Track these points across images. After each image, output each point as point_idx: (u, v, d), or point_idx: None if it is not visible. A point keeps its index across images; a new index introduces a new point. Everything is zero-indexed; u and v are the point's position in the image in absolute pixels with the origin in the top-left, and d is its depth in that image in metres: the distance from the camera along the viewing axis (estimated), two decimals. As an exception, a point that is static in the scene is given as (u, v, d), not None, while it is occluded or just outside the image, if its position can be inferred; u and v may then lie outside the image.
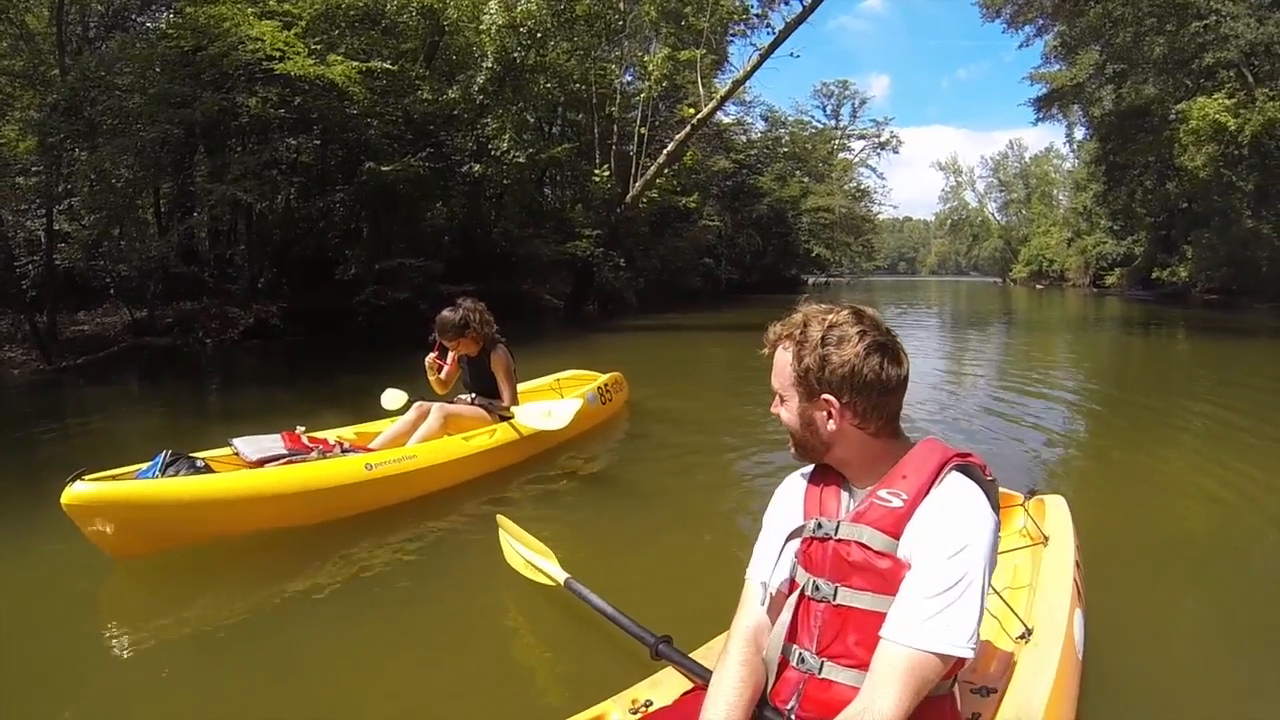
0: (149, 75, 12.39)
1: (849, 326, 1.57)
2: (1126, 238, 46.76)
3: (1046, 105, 45.58)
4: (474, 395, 5.55)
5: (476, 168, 17.42)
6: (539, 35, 17.97)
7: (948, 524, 1.47)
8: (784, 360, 1.62)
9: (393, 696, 2.75)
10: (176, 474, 3.99)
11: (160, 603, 3.60)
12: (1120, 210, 43.38)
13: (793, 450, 1.70)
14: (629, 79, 24.20)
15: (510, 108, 18.00)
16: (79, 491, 3.52)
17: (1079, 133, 53.43)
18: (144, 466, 4.00)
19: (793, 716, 1.58)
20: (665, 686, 2.04)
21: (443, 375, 5.58)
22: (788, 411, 1.64)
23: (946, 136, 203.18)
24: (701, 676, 1.92)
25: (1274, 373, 12.46)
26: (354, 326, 14.96)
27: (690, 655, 2.10)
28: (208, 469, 4.15)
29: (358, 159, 15.35)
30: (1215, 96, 25.94)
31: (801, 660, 1.59)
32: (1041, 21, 39.12)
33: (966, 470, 1.56)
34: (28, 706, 2.75)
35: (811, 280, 54.43)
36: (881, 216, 69.92)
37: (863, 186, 58.97)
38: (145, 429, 7.81)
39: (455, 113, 17.30)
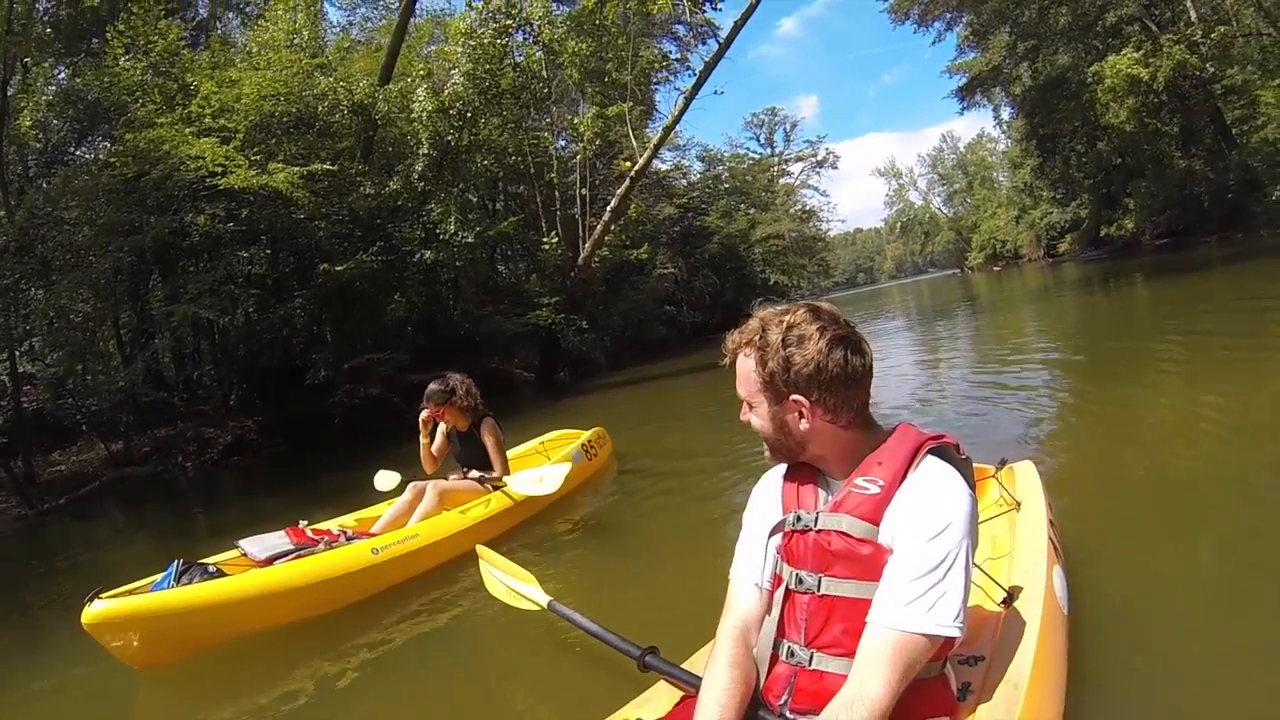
0: (95, 206, 12.46)
1: (808, 325, 1.58)
2: (1070, 203, 47.67)
3: (969, 93, 46.86)
4: (466, 469, 5.63)
5: (428, 254, 17.46)
6: (469, 115, 18.15)
7: (927, 506, 1.49)
8: (747, 368, 1.63)
9: None
10: (191, 581, 4.04)
11: (189, 708, 3.68)
12: (1059, 179, 44.55)
13: (769, 454, 1.71)
14: (563, 143, 24.44)
15: (452, 190, 18.13)
16: (98, 610, 3.56)
17: (1005, 113, 54.89)
18: (158, 578, 4.06)
19: (786, 711, 1.58)
20: (656, 701, 2.03)
21: (434, 449, 5.64)
22: (758, 417, 1.65)
23: (881, 143, 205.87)
24: (691, 684, 1.89)
25: (1228, 295, 12.97)
26: (330, 428, 14.80)
27: (679, 665, 2.09)
28: (220, 573, 4.20)
29: (311, 263, 15.41)
30: (1124, 52, 27.18)
31: (791, 654, 1.59)
32: (949, 15, 40.52)
33: (940, 452, 1.57)
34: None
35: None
36: (832, 233, 70.70)
37: (808, 207, 59.82)
38: (136, 555, 7.81)
39: (399, 203, 17.40)
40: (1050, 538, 2.52)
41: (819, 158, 61.57)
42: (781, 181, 58.62)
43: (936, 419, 6.80)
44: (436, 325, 18.83)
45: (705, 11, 21.42)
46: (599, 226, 21.56)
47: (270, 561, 4.39)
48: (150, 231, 12.58)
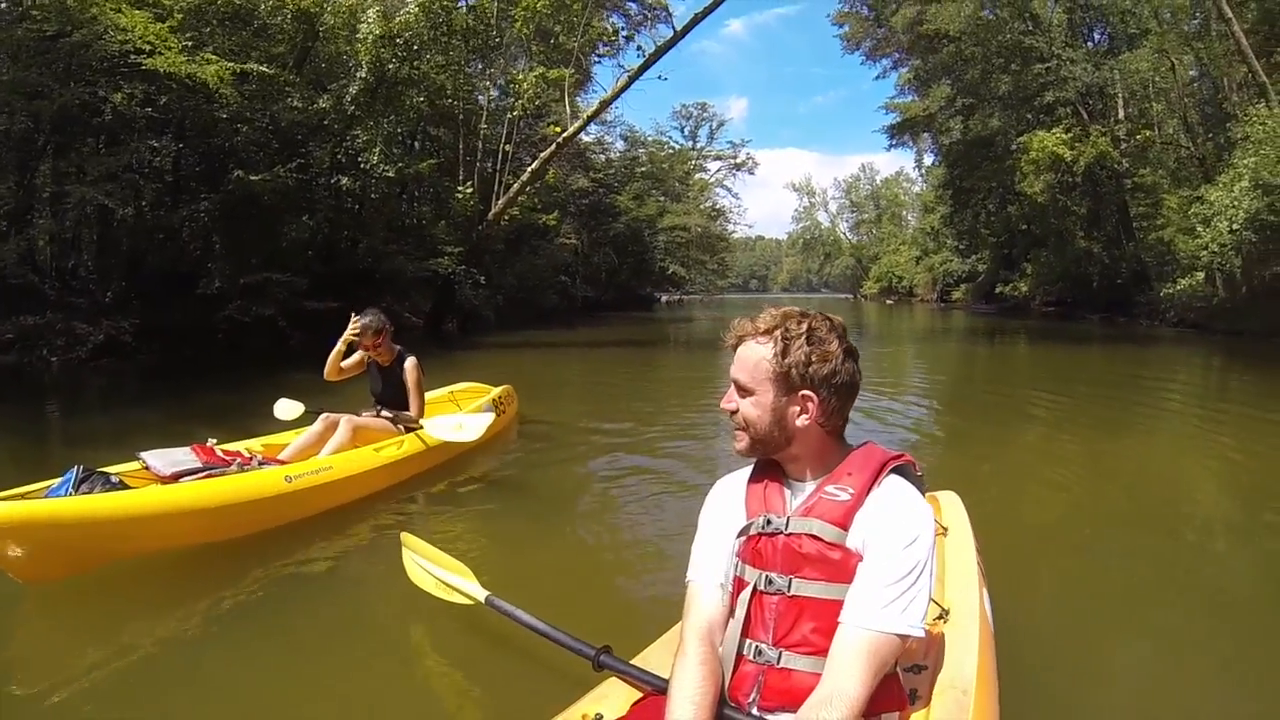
0: (2, 60, 11.49)
1: (827, 330, 1.63)
2: (971, 256, 49.79)
3: (899, 132, 48.41)
4: (379, 407, 5.54)
5: (345, 180, 16.90)
6: (415, 47, 17.61)
7: (898, 518, 1.55)
8: (759, 354, 1.63)
9: None
10: (91, 491, 3.70)
11: (74, 630, 3.36)
12: (966, 231, 46.42)
13: (743, 445, 1.69)
14: (494, 95, 24.04)
15: (381, 120, 17.65)
16: None
17: (928, 158, 57.04)
18: (54, 483, 3.71)
19: (754, 709, 1.60)
20: (613, 698, 1.97)
21: (343, 364, 5.53)
22: (754, 406, 1.64)
23: (801, 159, 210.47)
24: (650, 684, 1.87)
25: (1102, 369, 14.24)
26: (213, 344, 14.19)
27: (632, 663, 2.04)
28: (123, 485, 3.88)
29: (224, 166, 14.68)
30: (1054, 130, 28.98)
31: (759, 653, 1.61)
32: (898, 55, 41.80)
33: (902, 470, 1.64)
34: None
35: (665, 298, 55.38)
36: (736, 235, 71.98)
37: (718, 206, 61.00)
38: (17, 455, 6.99)
39: (325, 123, 16.76)
40: (978, 564, 2.65)
41: (738, 160, 62.81)
42: (697, 176, 59.68)
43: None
44: (337, 255, 18.25)
45: (669, -1, 21.22)
46: (516, 185, 21.45)
47: (176, 478, 4.12)
48: (59, 99, 11.60)
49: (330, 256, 17.99)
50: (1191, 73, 26.63)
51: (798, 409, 1.62)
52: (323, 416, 5.21)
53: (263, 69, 13.71)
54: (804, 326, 1.62)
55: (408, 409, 5.53)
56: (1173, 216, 24.18)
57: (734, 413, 1.67)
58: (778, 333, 1.62)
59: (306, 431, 5.14)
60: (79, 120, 13.26)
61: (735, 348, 1.68)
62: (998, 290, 43.01)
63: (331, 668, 3.00)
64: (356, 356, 5.56)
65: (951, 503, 3.19)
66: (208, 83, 12.39)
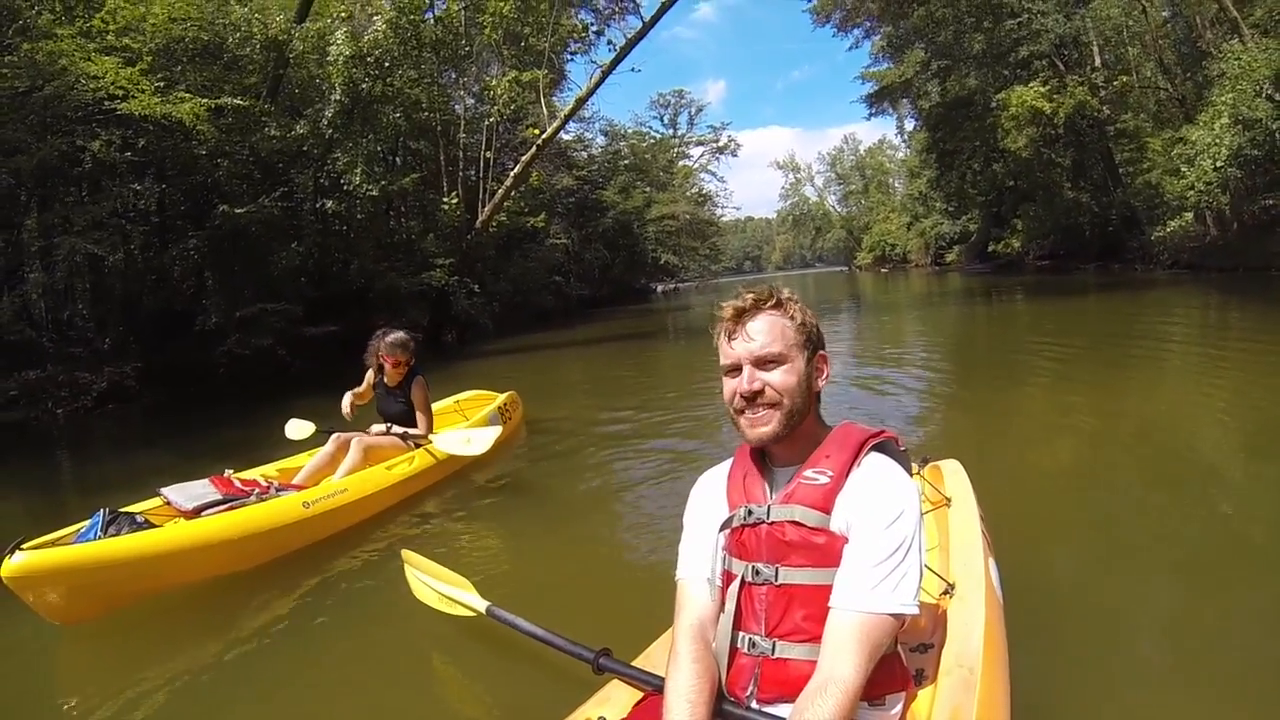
0: None
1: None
2: (961, 217, 49.77)
3: (878, 101, 48.28)
4: (389, 425, 5.67)
5: (329, 204, 16.96)
6: (386, 64, 17.65)
7: (880, 496, 1.53)
8: (779, 323, 1.62)
9: None
10: (119, 532, 3.84)
11: (112, 665, 3.52)
12: (953, 193, 46.31)
13: (773, 426, 1.61)
14: (470, 103, 24.08)
15: (360, 140, 17.67)
16: (20, 562, 3.36)
17: (909, 124, 56.93)
18: (82, 527, 3.85)
19: (753, 702, 1.59)
20: (615, 700, 2.00)
21: (359, 392, 5.74)
22: (790, 373, 1.60)
23: (783, 136, 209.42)
24: (650, 684, 1.88)
25: (1101, 319, 14.13)
26: (214, 379, 14.25)
27: (633, 664, 2.07)
28: (148, 524, 4.01)
29: (208, 202, 14.72)
30: (1031, 85, 28.86)
31: (753, 645, 1.59)
32: (869, 24, 41.59)
33: (882, 447, 1.63)
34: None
35: (660, 288, 55.33)
36: (725, 219, 71.88)
37: (705, 191, 60.78)
38: (11, 511, 7.12)
39: (304, 148, 16.80)
40: (983, 533, 2.63)
41: (720, 144, 62.63)
42: (681, 163, 59.61)
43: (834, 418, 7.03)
44: (330, 278, 18.30)
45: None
46: (501, 190, 21.65)
47: (198, 512, 4.25)
48: (38, 153, 11.65)
49: (323, 280, 18.03)
50: (1164, 13, 26.56)
51: (818, 371, 1.66)
52: (334, 437, 5.32)
53: (237, 101, 13.75)
54: (786, 292, 1.67)
55: (416, 426, 5.65)
56: (1158, 159, 24.17)
57: (760, 391, 1.60)
58: (777, 299, 1.65)
59: (319, 453, 5.26)
60: (60, 171, 13.29)
61: (738, 324, 1.64)
62: (990, 249, 43.03)
63: (343, 684, 3.09)
64: (366, 383, 5.75)
65: (954, 471, 3.17)
66: (183, 121, 12.42)
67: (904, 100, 48.57)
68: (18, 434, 11.33)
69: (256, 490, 4.63)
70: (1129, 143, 27.89)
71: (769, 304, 1.64)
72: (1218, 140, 18.33)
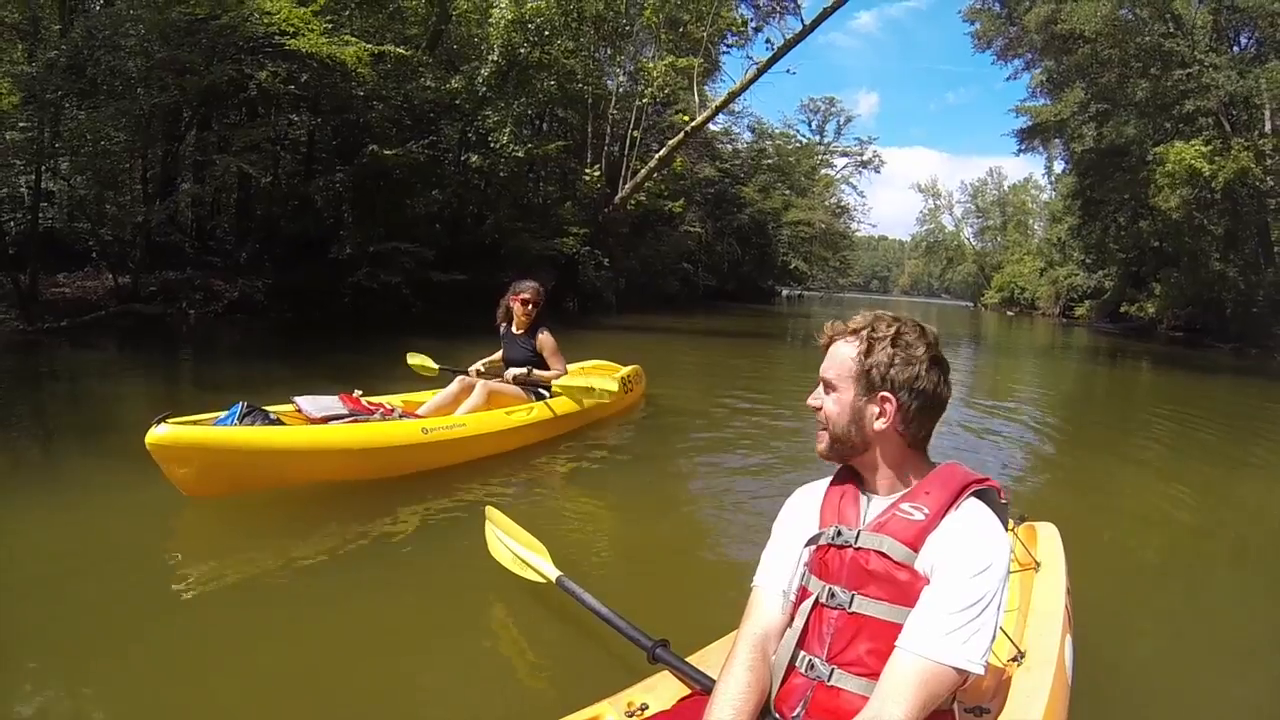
0: (155, 39, 11.99)
1: (916, 336, 1.64)
2: (1098, 271, 47.54)
3: (1029, 137, 46.45)
4: (527, 369, 5.95)
5: (474, 159, 17.42)
6: (546, 33, 18.02)
7: (971, 544, 1.51)
8: (846, 353, 1.66)
9: (382, 682, 2.76)
10: (253, 424, 4.26)
11: (221, 540, 3.96)
12: (1093, 244, 44.28)
13: (824, 446, 1.71)
14: (623, 80, 24.32)
15: (512, 102, 18.08)
16: (163, 433, 3.75)
17: (1058, 166, 54.63)
18: (221, 415, 4.26)
19: None
20: (660, 691, 2.01)
21: (485, 361, 6.09)
22: (835, 403, 1.66)
23: (928, 159, 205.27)
24: (699, 682, 1.91)
25: (1228, 403, 13.33)
26: (338, 307, 14.84)
27: (687, 660, 2.09)
28: (280, 423, 4.43)
29: (358, 141, 15.31)
30: (1193, 142, 26.93)
31: (811, 667, 1.59)
32: (1030, 56, 40.10)
33: (984, 495, 1.60)
34: (103, 627, 2.96)
35: (785, 292, 54.82)
36: (859, 233, 70.92)
37: (843, 203, 59.74)
38: (155, 394, 7.89)
39: (456, 102, 17.29)
40: (1066, 605, 2.54)
41: (865, 158, 61.59)
42: (823, 172, 58.47)
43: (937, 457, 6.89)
44: (463, 229, 18.75)
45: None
46: (644, 170, 21.71)
47: (325, 421, 4.65)
48: (210, 76, 12.29)
49: (457, 230, 18.48)
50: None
51: (876, 410, 1.63)
52: (459, 378, 5.71)
53: (399, 50, 14.26)
54: (892, 329, 1.64)
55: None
56: (1319, 242, 22.62)
57: (818, 409, 1.70)
58: (864, 332, 1.65)
59: (444, 391, 5.63)
60: (223, 95, 14.02)
61: (827, 347, 1.71)
62: (1123, 309, 41.05)
63: (403, 621, 3.22)
64: (493, 356, 6.13)
65: (1050, 536, 3.09)
66: (346, 62, 12.92)
67: (1056, 140, 46.63)
68: (152, 325, 12.12)
69: (381, 411, 5.01)
70: (1290, 219, 26.12)
71: (849, 333, 1.68)
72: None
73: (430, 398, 5.61)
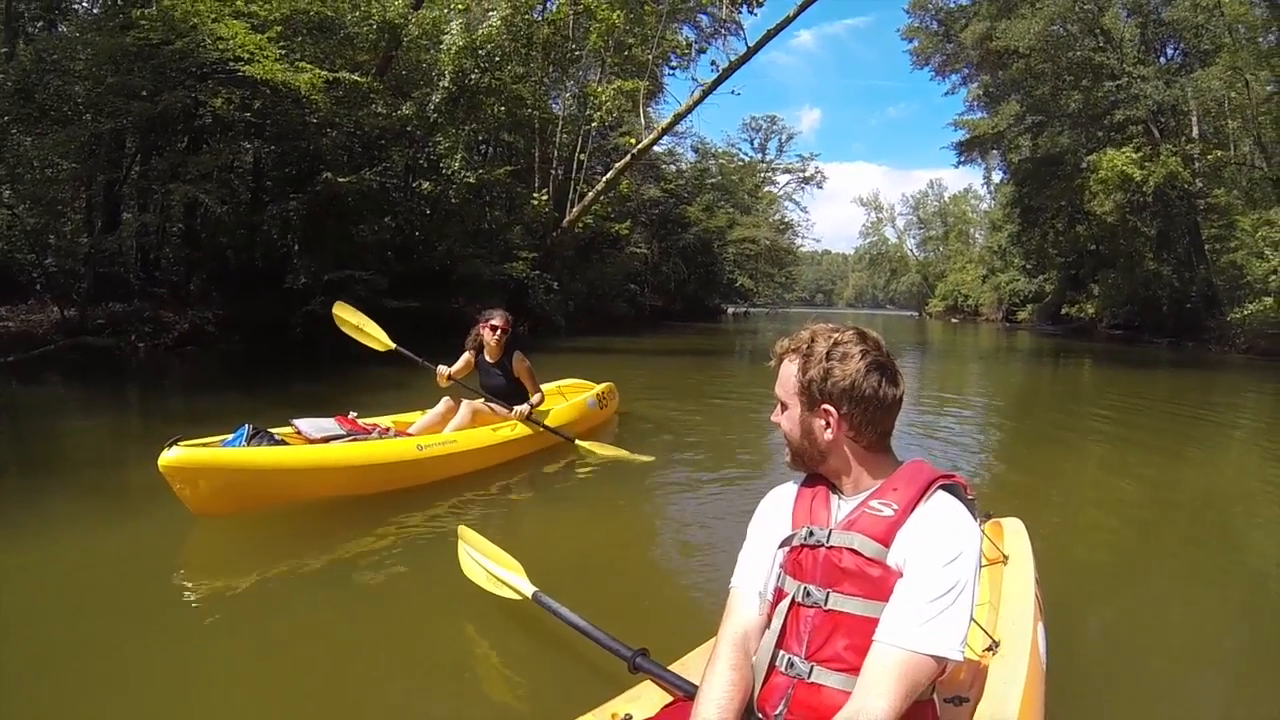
0: (107, 64, 11.97)
1: (853, 345, 1.66)
2: (1038, 276, 48.87)
3: (968, 149, 47.80)
4: (489, 399, 6.10)
5: (426, 185, 17.44)
6: (497, 59, 18.14)
7: (941, 535, 1.53)
8: (789, 371, 1.70)
9: (359, 710, 2.76)
10: (260, 445, 4.48)
11: (227, 555, 4.17)
12: (1033, 250, 45.68)
13: (789, 458, 1.77)
14: (569, 104, 24.47)
15: (463, 128, 18.14)
16: (176, 455, 3.92)
17: (996, 176, 56.11)
18: (228, 437, 4.48)
19: None
20: (644, 700, 2.02)
21: (454, 370, 6.12)
22: (789, 420, 1.71)
23: (870, 173, 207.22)
24: (682, 689, 1.93)
25: (1169, 395, 13.72)
26: (291, 337, 14.65)
27: (668, 668, 2.10)
28: (284, 443, 4.66)
29: (310, 168, 15.27)
30: (1124, 149, 28.24)
31: (790, 665, 1.61)
32: (967, 71, 41.40)
33: (951, 489, 1.63)
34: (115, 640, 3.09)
35: (731, 310, 55.18)
36: (803, 249, 71.76)
37: (787, 219, 60.77)
38: (113, 428, 7.85)
39: (408, 129, 17.31)
40: (1036, 595, 2.60)
41: (807, 174, 62.79)
42: (766, 189, 59.34)
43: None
44: (415, 256, 18.74)
45: (740, 13, 21.47)
46: (591, 193, 21.92)
47: (325, 441, 4.89)
48: (163, 102, 12.20)
49: (408, 257, 18.45)
50: (1269, 88, 25.79)
51: (821, 423, 1.66)
52: (444, 400, 5.89)
53: (354, 77, 14.28)
54: (829, 342, 1.67)
55: (517, 399, 6.08)
56: (1245, 239, 23.38)
57: (780, 427, 1.75)
58: (803, 348, 1.69)
59: (431, 412, 5.82)
60: (172, 122, 13.89)
61: (779, 366, 1.75)
62: (1064, 311, 42.30)
63: (386, 642, 3.23)
64: (463, 361, 6.14)
65: (1016, 530, 3.16)
66: (299, 89, 12.89)
67: (994, 151, 47.89)
68: (101, 359, 11.93)
69: (378, 430, 5.31)
70: (1218, 219, 27.03)
71: (792, 351, 1.71)
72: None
73: (419, 418, 5.82)
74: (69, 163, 12.30)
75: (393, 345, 6.37)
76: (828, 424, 1.66)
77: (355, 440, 5.02)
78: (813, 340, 1.68)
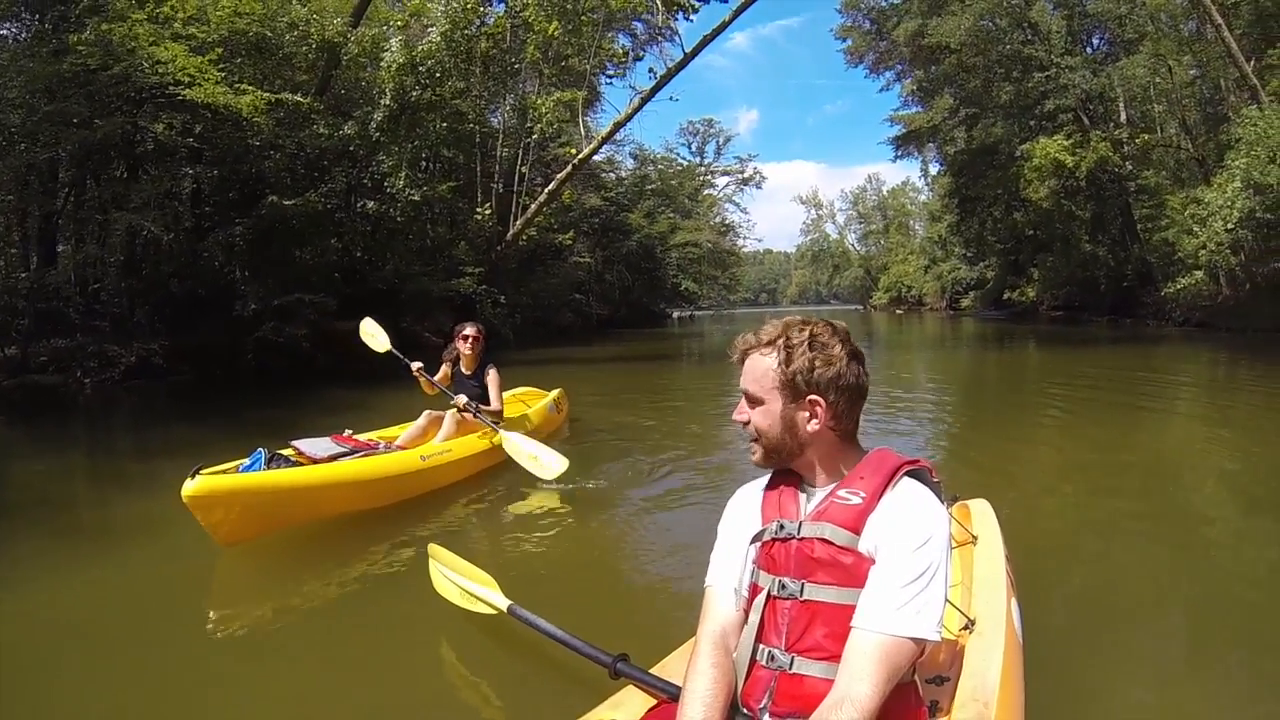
0: (40, 94, 11.69)
1: (829, 336, 1.67)
2: (979, 263, 49.89)
3: (905, 143, 48.57)
4: (468, 403, 6.14)
5: (371, 205, 17.35)
6: (438, 75, 18.04)
7: (910, 520, 1.54)
8: (764, 365, 1.67)
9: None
10: (277, 468, 4.51)
11: (249, 584, 4.19)
12: (972, 239, 46.44)
13: (758, 456, 1.74)
14: (508, 117, 24.53)
15: (406, 146, 18.04)
16: (199, 484, 3.90)
17: (933, 168, 56.85)
18: (244, 462, 4.49)
19: (766, 715, 1.60)
20: (627, 705, 2.00)
21: (435, 377, 6.28)
22: (764, 415, 1.68)
23: (808, 171, 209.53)
24: (665, 691, 1.93)
25: (1112, 370, 14.08)
26: (241, 364, 14.45)
27: (650, 671, 2.09)
28: (299, 464, 4.72)
29: (254, 192, 15.08)
30: (1055, 137, 29.23)
31: (771, 658, 1.61)
32: (901, 67, 42.14)
33: (917, 474, 1.64)
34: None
35: (677, 314, 55.33)
36: (745, 250, 72.03)
37: (728, 221, 60.81)
38: (64, 468, 7.34)
39: (351, 149, 17.19)
40: (1007, 573, 2.62)
41: (746, 175, 63.10)
42: (706, 192, 59.50)
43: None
44: (362, 276, 18.57)
45: (677, 20, 21.64)
46: (534, 206, 22.01)
47: (333, 460, 4.96)
48: (102, 129, 11.97)
49: (356, 278, 18.28)
50: (1192, 72, 26.73)
51: (807, 414, 1.65)
52: (426, 413, 6.03)
53: (296, 98, 14.19)
54: (806, 333, 1.66)
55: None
56: (1175, 217, 24.17)
57: (746, 424, 1.72)
58: (780, 341, 1.67)
59: (413, 425, 5.97)
60: (111, 149, 13.68)
61: (742, 362, 1.72)
62: (1005, 296, 43.23)
63: (365, 664, 3.21)
64: (443, 371, 6.34)
65: (983, 511, 3.17)
66: (241, 111, 12.76)
67: (930, 144, 48.67)
68: (47, 398, 11.69)
69: (382, 444, 5.53)
70: (1148, 199, 27.91)
71: (764, 345, 1.69)
72: (1230, 203, 18.80)
73: (403, 431, 5.93)
74: (3, 194, 11.94)
75: (389, 348, 6.68)
76: (813, 415, 1.65)
77: (363, 456, 5.16)
78: (788, 332, 1.68)
